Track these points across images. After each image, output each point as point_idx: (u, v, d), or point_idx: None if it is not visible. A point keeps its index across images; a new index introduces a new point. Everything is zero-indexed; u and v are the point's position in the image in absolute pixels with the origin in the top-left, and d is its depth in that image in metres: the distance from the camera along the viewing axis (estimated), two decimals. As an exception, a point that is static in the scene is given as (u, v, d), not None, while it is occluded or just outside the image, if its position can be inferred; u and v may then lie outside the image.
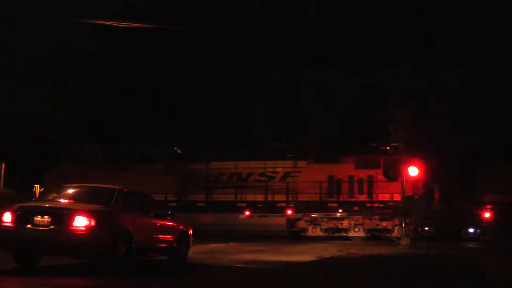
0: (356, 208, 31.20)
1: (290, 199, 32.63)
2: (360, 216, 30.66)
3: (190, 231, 14.27)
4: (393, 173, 25.55)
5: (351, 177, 31.80)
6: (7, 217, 11.11)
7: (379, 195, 30.89)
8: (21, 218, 11.03)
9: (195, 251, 15.80)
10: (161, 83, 43.89)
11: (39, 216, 10.86)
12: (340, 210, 31.23)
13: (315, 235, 31.27)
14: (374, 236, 30.48)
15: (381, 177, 30.84)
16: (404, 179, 24.48)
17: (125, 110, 43.10)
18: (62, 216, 10.86)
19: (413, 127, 24.20)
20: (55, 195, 12.40)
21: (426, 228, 25.75)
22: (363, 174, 31.48)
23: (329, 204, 31.89)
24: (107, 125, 40.29)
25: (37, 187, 33.09)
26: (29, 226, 10.88)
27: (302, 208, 31.99)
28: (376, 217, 30.47)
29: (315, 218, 31.46)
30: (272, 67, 46.20)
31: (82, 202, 11.63)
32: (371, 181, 31.10)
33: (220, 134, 43.45)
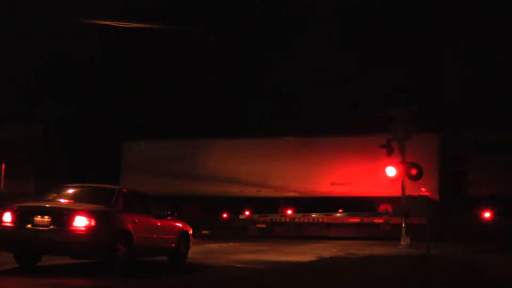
0: None
1: None
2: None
3: (190, 231, 14.25)
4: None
5: None
6: (7, 217, 11.09)
7: None
8: (21, 218, 11.00)
9: (195, 251, 15.78)
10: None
11: (39, 216, 10.84)
12: (340, 210, 31.16)
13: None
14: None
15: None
16: (404, 178, 24.41)
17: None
18: (62, 216, 10.84)
19: (412, 126, 24.00)
20: (55, 195, 12.39)
21: None
22: None
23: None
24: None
25: None
26: (29, 226, 10.86)
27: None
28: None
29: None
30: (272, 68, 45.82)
31: (82, 202, 11.61)
32: None
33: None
